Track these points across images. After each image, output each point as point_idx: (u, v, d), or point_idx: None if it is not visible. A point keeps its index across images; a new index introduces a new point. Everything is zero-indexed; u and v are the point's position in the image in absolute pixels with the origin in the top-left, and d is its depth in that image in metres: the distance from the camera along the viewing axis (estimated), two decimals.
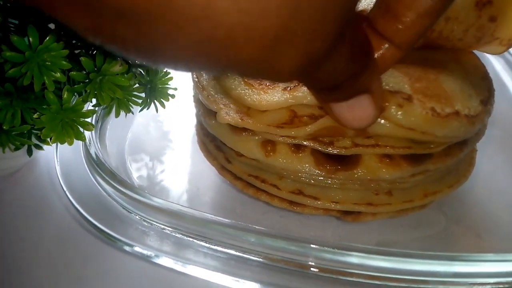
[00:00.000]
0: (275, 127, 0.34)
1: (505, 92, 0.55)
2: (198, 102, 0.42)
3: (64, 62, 0.30)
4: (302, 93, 0.33)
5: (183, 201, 0.42)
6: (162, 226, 0.34)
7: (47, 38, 0.29)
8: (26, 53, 0.28)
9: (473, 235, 0.38)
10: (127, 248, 0.34)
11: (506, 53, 0.58)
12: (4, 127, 0.31)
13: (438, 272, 0.30)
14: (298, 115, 0.34)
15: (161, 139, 0.49)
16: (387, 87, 0.33)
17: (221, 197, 0.43)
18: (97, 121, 0.44)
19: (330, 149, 0.34)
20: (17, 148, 0.35)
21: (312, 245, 0.31)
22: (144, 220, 0.35)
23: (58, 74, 0.30)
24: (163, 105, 0.40)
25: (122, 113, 0.37)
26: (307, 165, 0.35)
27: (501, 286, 0.30)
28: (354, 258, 0.31)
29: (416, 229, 0.39)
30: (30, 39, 0.28)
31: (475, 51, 0.39)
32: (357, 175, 0.34)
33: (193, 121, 0.46)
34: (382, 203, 0.36)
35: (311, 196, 0.36)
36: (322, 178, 0.35)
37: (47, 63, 0.29)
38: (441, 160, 0.35)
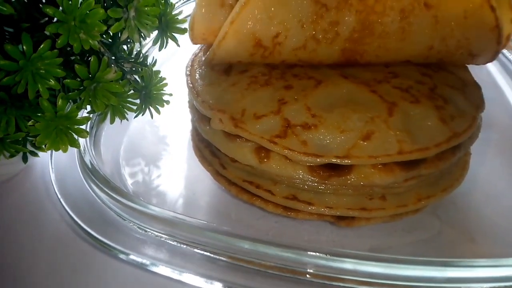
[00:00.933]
0: (268, 140, 0.34)
1: (501, 96, 0.55)
2: (193, 108, 0.42)
3: (58, 70, 0.30)
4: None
5: (179, 206, 0.42)
6: (157, 234, 0.34)
7: (41, 46, 0.29)
8: (20, 62, 0.28)
9: (468, 239, 0.38)
10: (122, 256, 0.34)
11: (502, 57, 0.58)
12: None
13: (432, 277, 0.30)
14: (291, 124, 0.34)
15: (157, 144, 0.49)
16: None
17: (217, 202, 0.43)
18: (92, 128, 0.44)
19: None
20: (12, 155, 0.35)
21: (306, 252, 0.31)
22: (139, 228, 0.35)
23: (52, 82, 0.30)
24: (158, 111, 0.41)
25: (117, 119, 0.37)
26: (300, 171, 0.35)
27: None
28: (348, 264, 0.31)
29: (410, 234, 0.39)
30: (24, 47, 0.28)
31: None
32: (350, 181, 0.34)
33: (189, 126, 0.47)
34: (376, 208, 0.36)
35: (305, 202, 0.36)
36: (316, 184, 0.35)
37: (41, 71, 0.29)
38: (434, 165, 0.35)
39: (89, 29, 0.30)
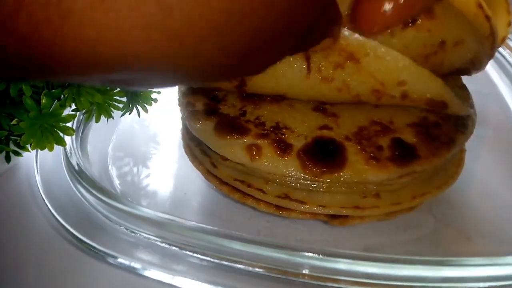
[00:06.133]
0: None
1: (496, 92, 0.55)
2: (183, 106, 0.41)
3: None
4: None
5: (169, 206, 0.41)
6: (146, 236, 0.33)
7: None
8: None
9: (463, 237, 0.38)
10: (110, 259, 0.33)
11: (496, 53, 0.58)
12: None
13: (427, 277, 0.30)
14: None
15: (146, 143, 0.48)
16: None
17: (208, 202, 0.42)
18: (78, 127, 0.42)
19: None
20: None
21: (299, 252, 0.31)
22: (127, 230, 0.34)
23: None
24: (145, 110, 0.40)
25: (104, 118, 0.36)
26: (292, 168, 0.34)
27: None
28: (342, 265, 0.30)
29: (405, 232, 0.38)
30: None
31: None
32: (343, 178, 0.33)
33: (179, 125, 0.46)
34: (370, 206, 0.35)
35: (298, 200, 0.35)
36: (308, 182, 0.34)
37: None
38: (429, 161, 0.34)
39: None
